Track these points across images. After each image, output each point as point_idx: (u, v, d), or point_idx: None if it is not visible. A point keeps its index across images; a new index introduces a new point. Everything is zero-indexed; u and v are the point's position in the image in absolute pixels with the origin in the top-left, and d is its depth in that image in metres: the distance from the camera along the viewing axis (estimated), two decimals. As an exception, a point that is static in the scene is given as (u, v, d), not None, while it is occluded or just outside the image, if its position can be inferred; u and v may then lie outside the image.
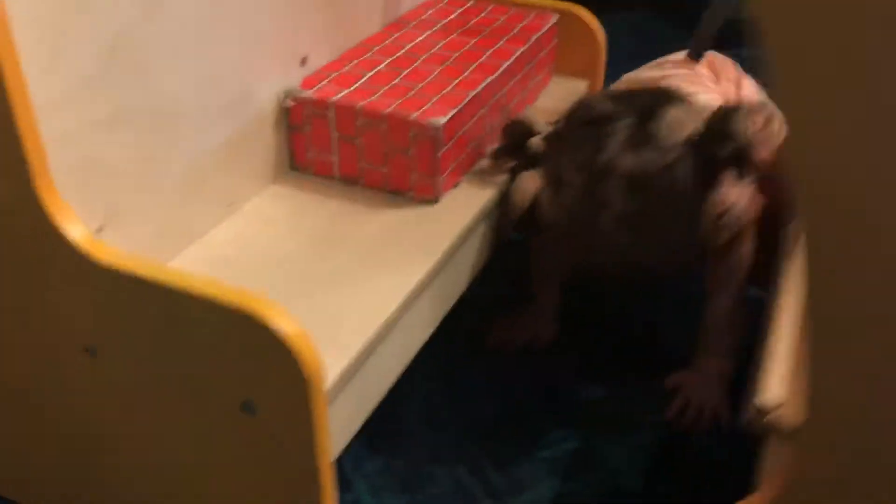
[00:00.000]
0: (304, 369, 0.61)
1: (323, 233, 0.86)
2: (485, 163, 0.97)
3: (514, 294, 1.13)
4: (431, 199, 0.90)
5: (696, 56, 0.93)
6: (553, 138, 0.91)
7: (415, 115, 0.86)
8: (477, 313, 1.13)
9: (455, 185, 0.93)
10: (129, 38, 0.71)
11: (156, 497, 0.75)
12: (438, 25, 1.08)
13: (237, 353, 0.63)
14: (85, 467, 0.77)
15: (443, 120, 0.86)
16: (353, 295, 0.77)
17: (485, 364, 1.08)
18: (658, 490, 0.93)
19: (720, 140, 0.84)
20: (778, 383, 0.52)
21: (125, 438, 0.73)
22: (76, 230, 0.64)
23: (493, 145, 0.97)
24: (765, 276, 1.10)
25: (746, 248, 1.00)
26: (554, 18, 1.09)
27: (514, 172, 0.93)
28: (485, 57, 0.99)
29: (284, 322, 0.61)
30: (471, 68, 0.96)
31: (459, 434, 1.00)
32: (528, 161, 0.91)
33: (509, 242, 1.03)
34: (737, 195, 0.94)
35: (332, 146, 0.91)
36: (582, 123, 0.87)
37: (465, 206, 0.90)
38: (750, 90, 1.05)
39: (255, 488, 0.70)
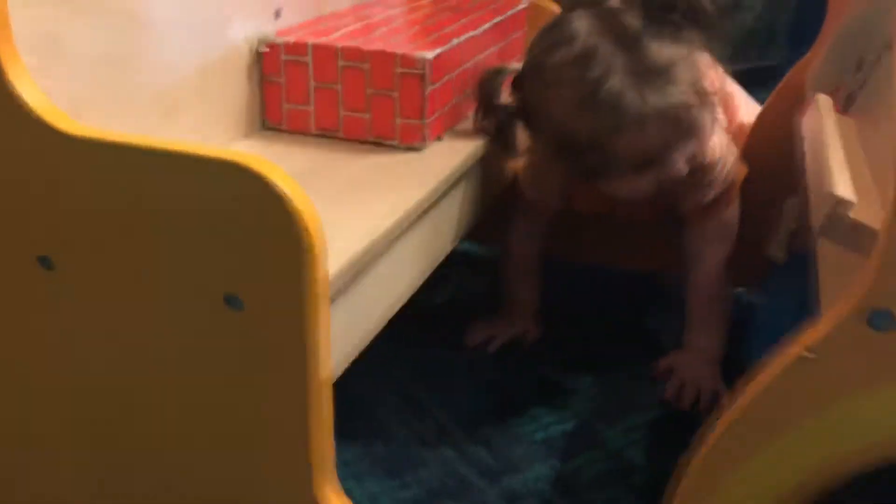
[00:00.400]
0: (304, 227, 0.53)
1: (303, 174, 0.78)
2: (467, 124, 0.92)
3: (492, 296, 1.10)
4: (417, 146, 0.85)
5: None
6: (531, 75, 0.86)
7: (400, 51, 0.82)
8: (457, 314, 1.10)
9: (438, 139, 0.87)
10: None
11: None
12: (412, 5, 1.06)
13: (227, 219, 0.55)
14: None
15: (430, 55, 0.81)
16: (343, 216, 0.70)
17: (467, 360, 1.03)
18: (662, 466, 0.86)
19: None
20: (848, 185, 0.47)
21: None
22: (40, 101, 0.57)
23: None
24: (750, 276, 1.10)
25: (734, 209, 0.97)
26: (524, 3, 1.09)
27: (491, 132, 0.89)
28: (462, 21, 0.96)
29: (280, 177, 0.53)
30: (450, 27, 0.93)
31: (443, 421, 0.92)
32: (507, 116, 0.88)
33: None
34: (721, 148, 0.92)
35: (309, 96, 0.86)
36: (564, 62, 0.81)
37: (452, 151, 0.85)
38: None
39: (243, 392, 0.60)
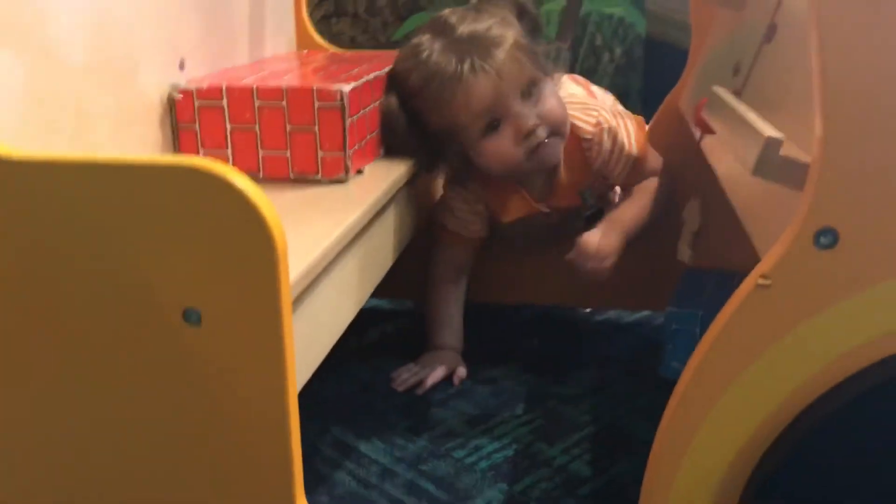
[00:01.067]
0: (268, 224, 0.53)
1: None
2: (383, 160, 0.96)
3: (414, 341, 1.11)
4: (341, 179, 0.86)
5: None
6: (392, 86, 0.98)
7: (317, 86, 0.84)
8: (382, 359, 1.11)
9: (359, 172, 0.89)
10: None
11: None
12: (306, 59, 1.09)
13: (188, 226, 0.54)
14: None
15: (347, 88, 0.84)
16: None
17: (400, 403, 1.02)
18: (607, 474, 0.89)
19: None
20: (771, 128, 0.52)
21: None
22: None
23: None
24: (650, 298, 1.16)
25: (654, 162, 1.06)
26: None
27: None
28: (361, 67, 0.99)
29: (240, 178, 0.54)
30: (353, 71, 0.96)
31: (385, 464, 0.91)
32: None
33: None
34: (607, 119, 1.01)
35: (225, 139, 0.86)
36: (405, 63, 0.97)
37: (375, 181, 0.87)
38: (601, 96, 1.15)
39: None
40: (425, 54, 0.94)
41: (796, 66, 0.63)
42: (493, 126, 0.95)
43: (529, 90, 0.95)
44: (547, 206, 1.05)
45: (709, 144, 0.83)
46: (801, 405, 0.51)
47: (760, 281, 0.50)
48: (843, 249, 0.49)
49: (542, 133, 0.95)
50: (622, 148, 1.00)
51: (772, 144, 0.51)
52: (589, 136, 1.00)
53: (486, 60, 0.92)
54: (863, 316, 0.49)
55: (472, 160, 0.99)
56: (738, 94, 0.80)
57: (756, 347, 0.51)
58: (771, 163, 0.51)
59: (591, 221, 1.06)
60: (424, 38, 0.96)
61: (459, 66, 0.92)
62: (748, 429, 0.52)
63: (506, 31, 0.95)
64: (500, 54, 0.93)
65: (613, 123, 1.00)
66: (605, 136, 1.00)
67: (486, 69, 0.92)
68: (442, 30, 0.96)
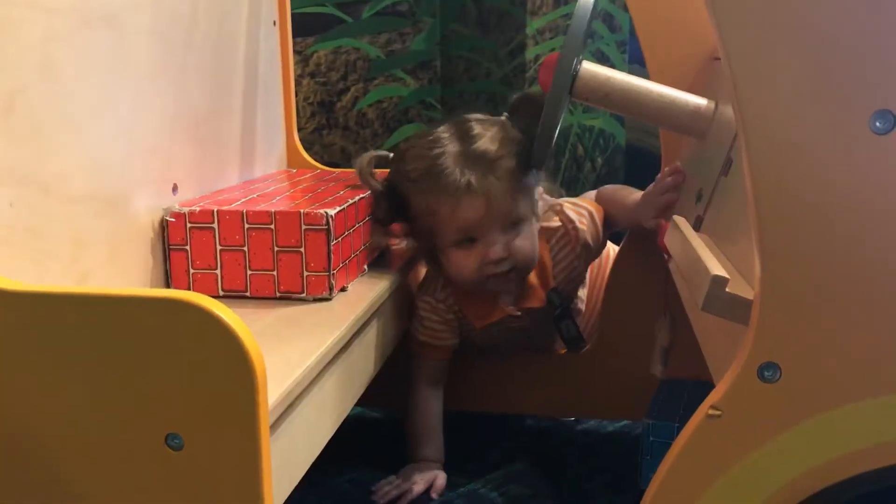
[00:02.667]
0: (248, 355, 0.57)
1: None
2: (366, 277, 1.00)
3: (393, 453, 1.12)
4: (325, 297, 0.90)
5: (539, 165, 1.05)
6: (395, 160, 1.06)
7: (304, 210, 0.88)
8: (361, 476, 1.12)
9: (343, 289, 0.93)
10: (27, 96, 0.70)
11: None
12: (294, 180, 1.14)
13: (172, 356, 0.57)
14: None
15: (332, 212, 0.88)
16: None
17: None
18: None
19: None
20: (720, 268, 0.56)
21: None
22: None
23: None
24: (630, 407, 1.19)
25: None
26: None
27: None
28: (347, 189, 1.04)
29: (223, 310, 0.57)
30: (339, 193, 1.01)
31: None
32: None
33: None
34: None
35: (215, 259, 0.90)
36: (419, 148, 1.03)
37: (360, 297, 0.91)
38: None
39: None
40: (437, 152, 1.00)
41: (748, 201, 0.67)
42: (466, 241, 1.01)
43: (512, 225, 1.01)
44: (517, 308, 1.09)
45: (674, 265, 0.88)
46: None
47: (710, 412, 0.53)
48: (785, 382, 0.52)
49: (504, 267, 1.01)
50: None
51: (718, 282, 0.55)
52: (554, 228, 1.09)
53: (484, 186, 0.97)
54: (806, 445, 0.52)
55: (437, 257, 1.05)
56: (700, 220, 0.85)
57: (709, 476, 0.53)
58: (718, 300, 0.55)
59: (559, 321, 1.10)
60: (445, 137, 1.01)
61: (460, 181, 0.97)
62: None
63: (513, 162, 1.00)
64: (499, 184, 0.98)
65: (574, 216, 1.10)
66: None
67: (481, 194, 0.97)
68: (463, 136, 1.01)
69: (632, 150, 2.15)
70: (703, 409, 0.54)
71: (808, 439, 0.53)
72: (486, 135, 1.00)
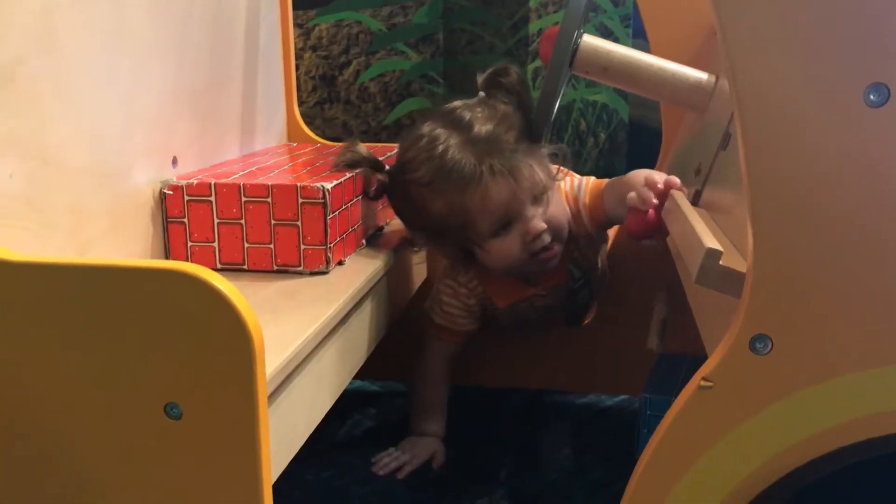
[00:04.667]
0: (245, 324, 0.57)
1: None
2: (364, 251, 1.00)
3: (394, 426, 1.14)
4: (322, 270, 0.90)
5: (538, 137, 1.04)
6: (394, 178, 1.01)
7: (301, 184, 0.89)
8: (361, 445, 1.13)
9: (340, 263, 0.93)
10: (26, 68, 0.70)
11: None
12: (297, 153, 1.14)
13: (170, 326, 0.58)
14: None
15: (329, 185, 0.89)
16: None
17: (374, 489, 1.04)
18: None
19: None
20: (714, 240, 0.56)
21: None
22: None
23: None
24: (628, 382, 1.20)
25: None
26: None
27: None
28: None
29: (220, 280, 0.58)
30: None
31: None
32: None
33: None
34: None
35: (213, 232, 0.90)
36: (416, 154, 0.97)
37: (358, 271, 0.92)
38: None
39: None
40: (440, 148, 0.95)
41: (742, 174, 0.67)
42: (503, 227, 0.97)
43: (540, 196, 0.98)
44: (541, 288, 1.09)
45: (671, 240, 0.88)
46: (744, 500, 0.54)
47: (702, 383, 0.53)
48: (776, 355, 0.53)
49: (547, 238, 0.98)
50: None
51: (711, 255, 0.55)
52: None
53: (505, 164, 0.94)
54: (796, 417, 0.53)
55: (474, 254, 1.01)
56: (698, 194, 0.85)
57: (700, 446, 0.54)
58: (711, 272, 0.55)
59: (579, 293, 1.10)
60: (439, 132, 0.97)
61: (479, 168, 0.94)
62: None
63: (518, 134, 0.97)
64: (519, 159, 0.95)
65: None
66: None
67: (504, 173, 0.94)
68: (457, 125, 0.97)
69: (635, 126, 2.14)
70: (696, 380, 0.54)
71: (798, 411, 0.53)
72: (479, 117, 0.97)
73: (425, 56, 1.97)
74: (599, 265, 1.14)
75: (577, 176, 1.10)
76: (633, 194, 0.87)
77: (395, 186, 1.01)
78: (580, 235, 1.07)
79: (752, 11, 0.49)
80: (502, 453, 1.12)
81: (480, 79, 1.05)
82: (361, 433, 1.18)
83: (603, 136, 2.12)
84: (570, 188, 1.07)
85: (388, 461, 1.07)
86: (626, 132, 2.15)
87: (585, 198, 1.05)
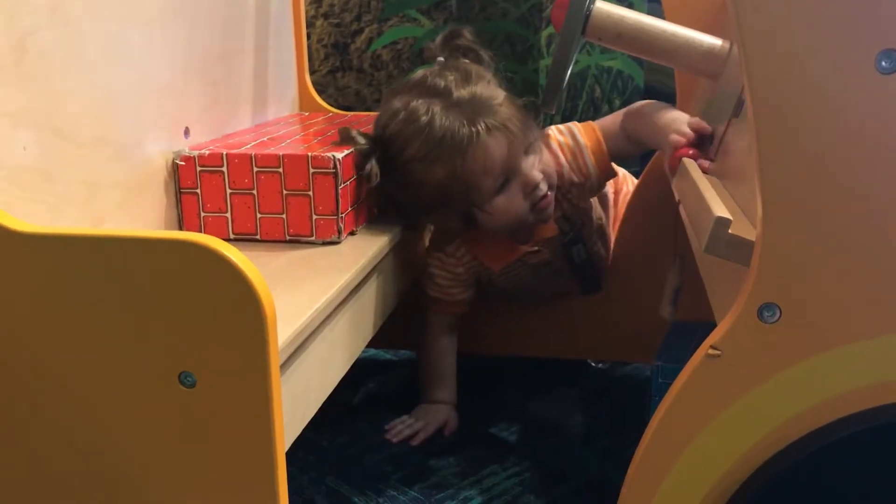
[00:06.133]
0: (257, 294, 0.58)
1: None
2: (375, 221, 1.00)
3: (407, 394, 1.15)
4: (334, 240, 0.91)
5: (549, 106, 1.04)
6: (381, 159, 0.96)
7: (312, 154, 0.89)
8: (374, 413, 1.14)
9: (352, 233, 0.94)
10: (38, 40, 0.71)
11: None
12: (309, 122, 1.14)
13: (183, 296, 0.59)
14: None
15: (340, 155, 0.89)
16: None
17: (389, 455, 1.06)
18: None
19: None
20: (724, 209, 0.56)
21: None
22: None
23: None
24: (641, 349, 1.20)
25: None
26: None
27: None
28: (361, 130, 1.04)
29: (232, 251, 0.58)
30: (351, 137, 1.01)
31: None
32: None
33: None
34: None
35: (225, 202, 0.91)
36: (398, 131, 0.95)
37: (367, 243, 0.92)
38: None
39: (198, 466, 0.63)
40: (425, 118, 0.93)
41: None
42: (503, 184, 0.98)
43: (530, 147, 0.99)
44: (533, 244, 1.09)
45: (683, 207, 0.88)
46: (751, 467, 0.54)
47: (710, 352, 0.54)
48: (784, 323, 0.53)
49: (544, 187, 0.99)
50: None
51: (721, 223, 0.55)
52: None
53: (496, 121, 0.94)
54: (802, 386, 0.53)
55: (475, 217, 1.01)
56: (711, 161, 0.85)
57: (708, 414, 0.54)
58: (720, 241, 0.55)
59: (572, 247, 1.11)
60: (417, 104, 0.95)
61: (473, 128, 0.93)
62: (702, 490, 0.55)
63: (496, 89, 0.98)
64: (506, 114, 0.96)
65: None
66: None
67: (499, 128, 0.94)
68: (435, 93, 0.95)
69: (650, 92, 2.12)
70: (704, 348, 0.55)
71: (805, 379, 0.53)
72: (452, 80, 0.96)
73: (438, 22, 1.96)
74: (595, 218, 1.14)
75: (557, 125, 1.10)
76: (675, 137, 0.89)
77: (385, 172, 0.96)
78: (573, 185, 1.07)
79: (763, -23, 0.49)
80: (514, 420, 1.13)
81: (434, 46, 1.04)
82: (375, 401, 1.19)
83: (618, 102, 2.10)
84: (563, 136, 1.07)
85: (402, 428, 1.09)
86: (641, 98, 2.13)
87: (584, 140, 1.06)
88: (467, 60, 1.02)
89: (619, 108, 2.22)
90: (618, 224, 1.21)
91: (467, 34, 1.04)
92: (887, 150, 0.50)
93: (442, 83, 0.96)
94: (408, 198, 0.99)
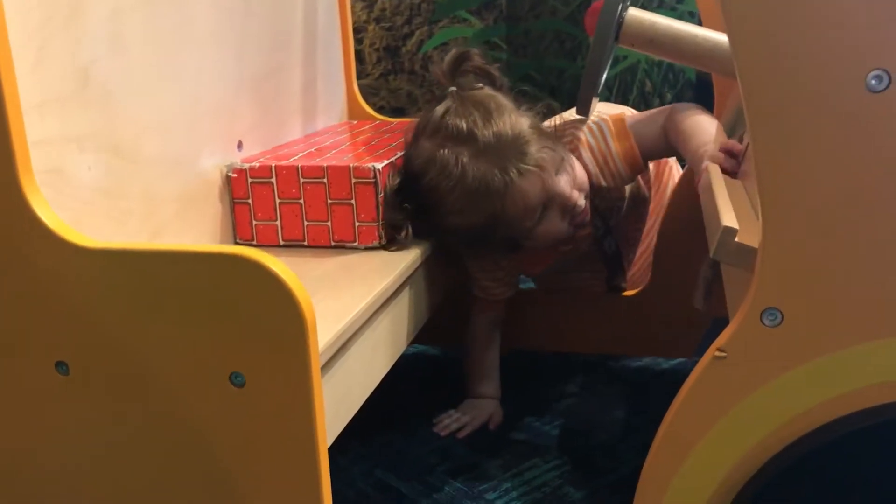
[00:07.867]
0: (299, 305, 0.63)
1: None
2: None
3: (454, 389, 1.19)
4: (375, 246, 0.96)
5: (584, 112, 1.07)
6: (418, 206, 0.97)
7: (353, 165, 0.94)
8: (422, 407, 1.19)
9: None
10: (99, 68, 0.77)
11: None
12: (356, 130, 1.20)
13: (231, 305, 0.64)
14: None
15: (380, 165, 0.94)
16: (320, 305, 0.79)
17: (435, 447, 1.10)
18: None
19: None
20: (732, 218, 0.59)
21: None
22: (57, 222, 0.67)
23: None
24: (684, 346, 1.23)
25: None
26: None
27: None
28: (400, 141, 1.09)
29: (276, 264, 0.64)
30: (392, 145, 1.06)
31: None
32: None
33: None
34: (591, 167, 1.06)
35: (275, 211, 0.97)
36: (430, 184, 0.95)
37: (410, 245, 0.97)
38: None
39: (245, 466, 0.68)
40: (457, 171, 0.93)
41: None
42: (541, 214, 0.99)
43: (561, 167, 0.99)
44: (566, 244, 1.11)
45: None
46: (759, 462, 0.57)
47: (717, 353, 0.57)
48: (786, 327, 0.55)
49: (581, 201, 1.01)
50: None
51: (728, 233, 0.58)
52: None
53: (526, 162, 0.94)
54: (804, 387, 0.56)
55: (520, 246, 1.04)
56: (739, 164, 0.87)
57: (714, 414, 0.57)
58: (727, 248, 0.58)
59: (604, 239, 1.13)
60: (445, 154, 0.94)
61: (507, 176, 0.93)
62: (712, 484, 0.58)
63: (518, 119, 0.96)
64: (535, 148, 0.95)
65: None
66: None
67: (530, 168, 0.94)
68: (460, 139, 0.94)
69: (702, 85, 2.12)
70: (712, 350, 0.58)
71: (807, 381, 0.56)
72: (472, 120, 0.95)
73: (488, 22, 1.99)
74: (626, 195, 1.14)
75: (588, 122, 1.09)
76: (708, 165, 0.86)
77: (424, 220, 0.98)
78: (601, 188, 1.08)
79: None
80: (556, 415, 1.17)
81: (441, 70, 1.02)
82: (423, 396, 1.24)
83: (669, 96, 2.10)
84: (593, 139, 1.07)
85: (449, 422, 1.14)
86: (694, 92, 2.13)
87: (615, 145, 1.06)
88: (481, 85, 1.01)
89: (671, 102, 2.21)
90: (660, 202, 1.23)
91: (475, 56, 1.02)
92: (879, 163, 0.52)
93: (464, 125, 0.94)
94: (448, 239, 1.02)
